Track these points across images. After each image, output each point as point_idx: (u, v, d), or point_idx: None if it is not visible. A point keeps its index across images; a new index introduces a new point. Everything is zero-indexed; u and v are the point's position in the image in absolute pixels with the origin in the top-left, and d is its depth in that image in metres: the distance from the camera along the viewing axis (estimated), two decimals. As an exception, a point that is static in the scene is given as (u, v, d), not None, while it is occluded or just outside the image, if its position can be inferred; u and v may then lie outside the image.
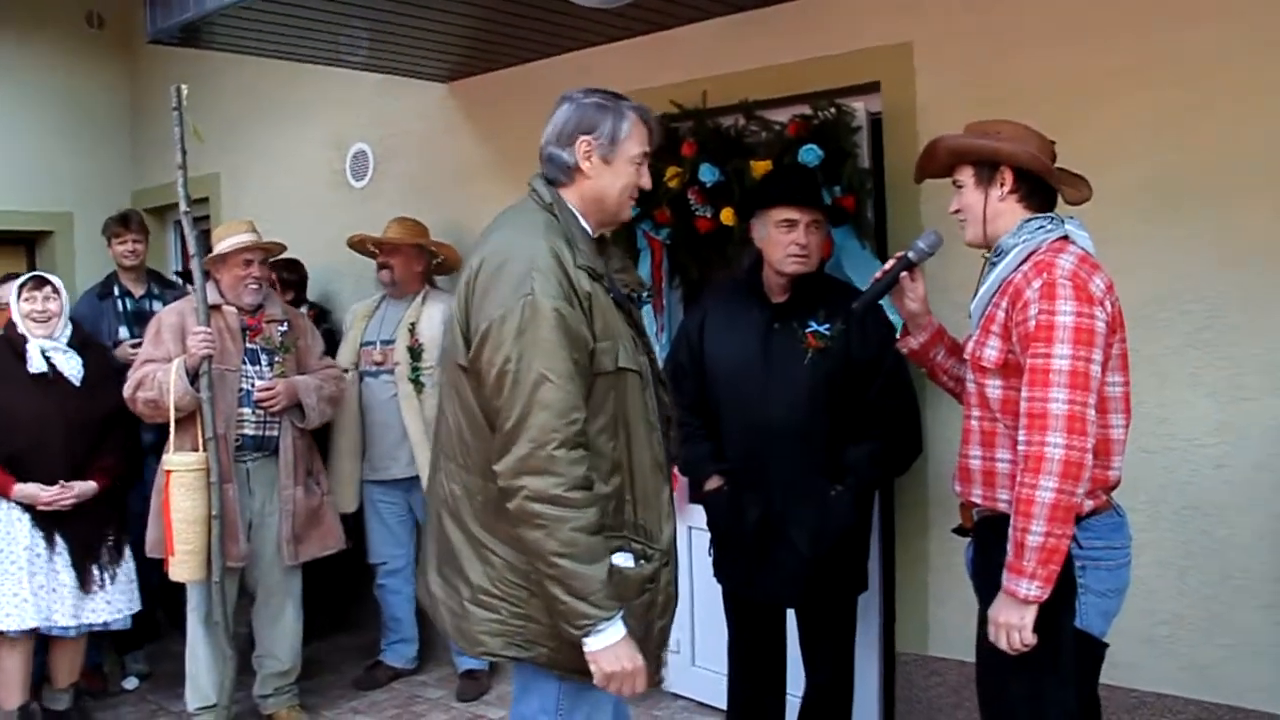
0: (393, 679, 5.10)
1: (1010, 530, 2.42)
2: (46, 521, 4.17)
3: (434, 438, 2.61)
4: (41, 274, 4.45)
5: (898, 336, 3.07)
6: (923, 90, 3.78)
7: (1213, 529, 3.33)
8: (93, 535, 4.27)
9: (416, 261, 4.97)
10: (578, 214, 2.50)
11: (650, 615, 2.45)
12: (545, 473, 2.24)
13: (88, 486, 4.22)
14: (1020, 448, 2.39)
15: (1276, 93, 3.17)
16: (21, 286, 4.31)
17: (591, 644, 2.28)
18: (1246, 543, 3.28)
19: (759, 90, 4.07)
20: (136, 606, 4.41)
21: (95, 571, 4.24)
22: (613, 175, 2.49)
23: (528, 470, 2.24)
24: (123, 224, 5.29)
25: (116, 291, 5.28)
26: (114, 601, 4.29)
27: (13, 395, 4.22)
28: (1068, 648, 2.53)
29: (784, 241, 3.37)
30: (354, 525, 5.04)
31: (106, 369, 4.40)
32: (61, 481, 4.17)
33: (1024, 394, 2.41)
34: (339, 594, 5.71)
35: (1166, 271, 3.36)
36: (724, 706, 3.79)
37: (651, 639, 2.47)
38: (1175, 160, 3.33)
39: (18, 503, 4.13)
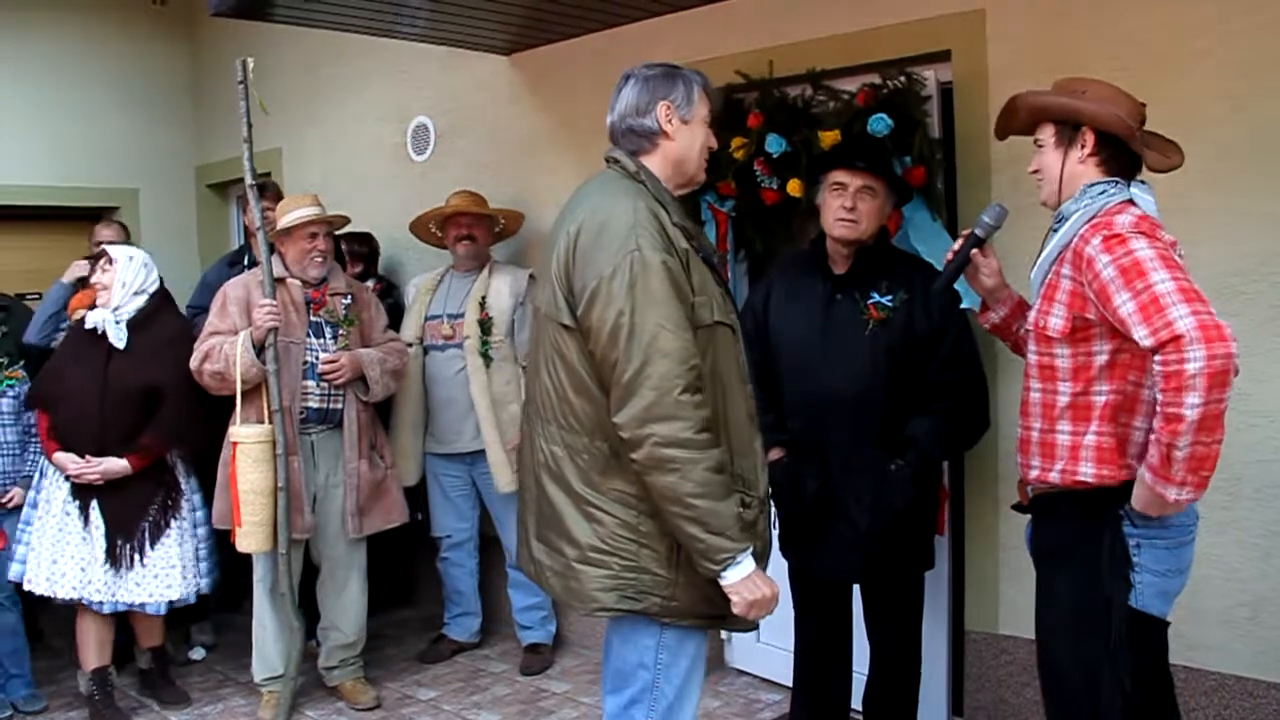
0: (456, 653, 5.12)
1: (1154, 440, 2.32)
2: (84, 492, 4.18)
3: (526, 404, 2.67)
4: (105, 246, 4.51)
5: (978, 312, 3.01)
6: (995, 59, 3.68)
7: (1297, 508, 3.24)
8: (131, 512, 4.21)
9: (490, 232, 5.01)
10: (661, 179, 2.58)
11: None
12: (673, 418, 2.30)
13: (116, 465, 4.15)
14: (1156, 368, 2.26)
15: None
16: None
17: (730, 576, 2.38)
18: (1332, 523, 3.19)
19: (827, 59, 4.00)
20: (177, 595, 4.27)
21: (125, 549, 4.16)
22: (691, 135, 2.61)
23: (654, 418, 2.31)
24: (261, 192, 5.35)
25: (246, 260, 5.33)
26: (144, 584, 4.20)
27: (67, 364, 4.30)
28: (1121, 626, 2.48)
29: (833, 205, 3.33)
30: (420, 499, 5.07)
31: (164, 343, 4.31)
32: (88, 456, 4.15)
33: (1141, 332, 2.27)
34: (403, 568, 5.75)
35: (1250, 243, 3.25)
36: (789, 683, 3.76)
37: None
38: (1258, 128, 3.21)
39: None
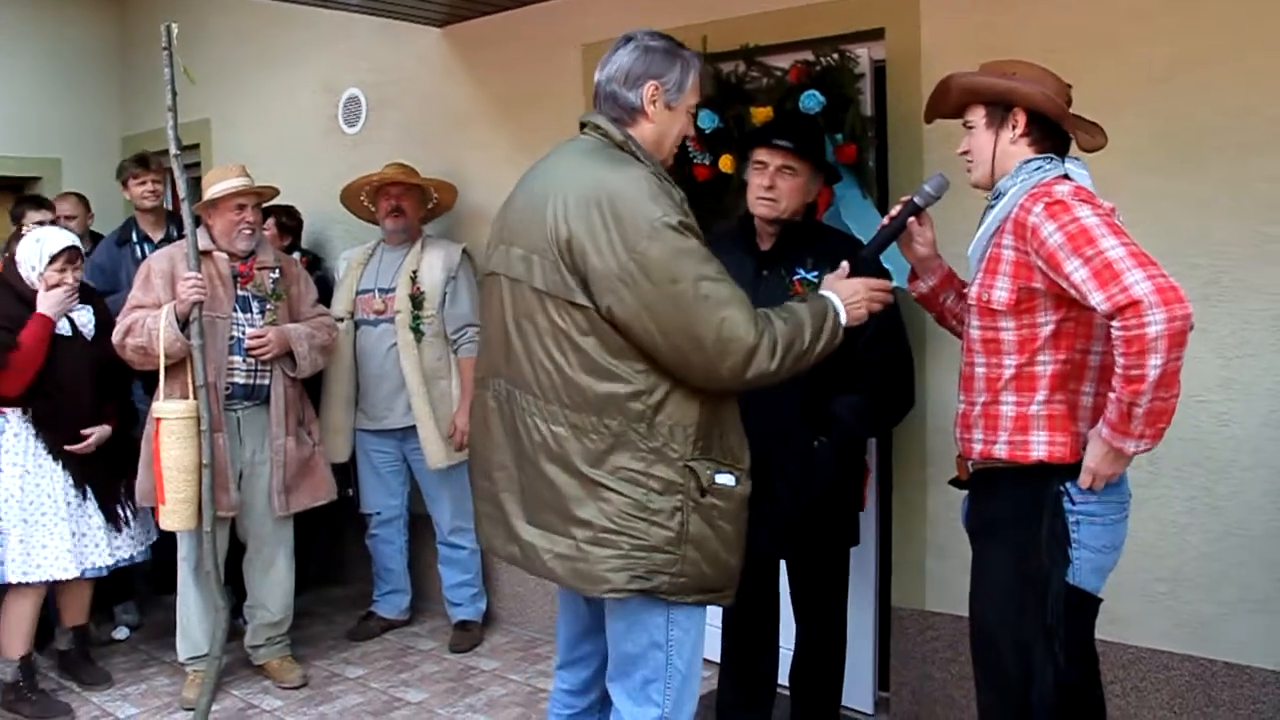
0: (385, 630, 5.09)
1: (1114, 400, 2.34)
2: (78, 473, 4.22)
3: (497, 380, 2.55)
4: (75, 244, 4.26)
5: (907, 281, 3.02)
6: (928, 37, 3.69)
7: (1214, 486, 3.30)
8: (114, 476, 4.32)
9: (421, 205, 4.94)
10: None
11: (743, 533, 2.54)
12: (763, 350, 2.36)
13: (104, 431, 4.28)
14: (1116, 332, 2.28)
15: (1292, 44, 3.09)
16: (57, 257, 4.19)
17: (843, 316, 2.56)
18: (1249, 500, 3.24)
19: (761, 35, 3.98)
20: (154, 536, 4.50)
21: (120, 510, 4.33)
22: (671, 121, 2.56)
23: (760, 361, 2.36)
24: (141, 165, 5.22)
25: (135, 237, 5.21)
26: (137, 536, 4.42)
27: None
28: (1058, 603, 2.51)
29: (755, 183, 3.32)
30: (351, 476, 5.03)
31: (104, 317, 4.38)
32: (82, 431, 4.23)
33: (1098, 298, 2.28)
34: (333, 545, 5.70)
35: (1174, 225, 3.29)
36: (718, 659, 3.76)
37: (741, 556, 2.56)
38: (1185, 112, 3.25)
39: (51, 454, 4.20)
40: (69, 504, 4.19)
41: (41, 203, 5.23)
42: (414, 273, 4.76)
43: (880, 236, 2.85)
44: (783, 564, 3.55)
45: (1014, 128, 2.58)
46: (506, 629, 5.06)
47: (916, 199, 2.81)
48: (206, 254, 4.21)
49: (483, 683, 4.47)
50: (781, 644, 3.64)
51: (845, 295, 2.59)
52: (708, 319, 2.32)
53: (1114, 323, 2.28)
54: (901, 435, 3.82)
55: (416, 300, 4.72)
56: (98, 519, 4.26)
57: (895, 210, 2.85)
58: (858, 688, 3.98)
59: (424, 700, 4.31)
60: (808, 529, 3.34)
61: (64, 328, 4.21)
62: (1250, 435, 3.23)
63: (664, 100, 2.51)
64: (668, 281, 2.31)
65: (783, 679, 3.67)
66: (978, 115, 2.65)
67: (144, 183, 5.19)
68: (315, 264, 5.53)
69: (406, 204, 4.87)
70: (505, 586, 5.09)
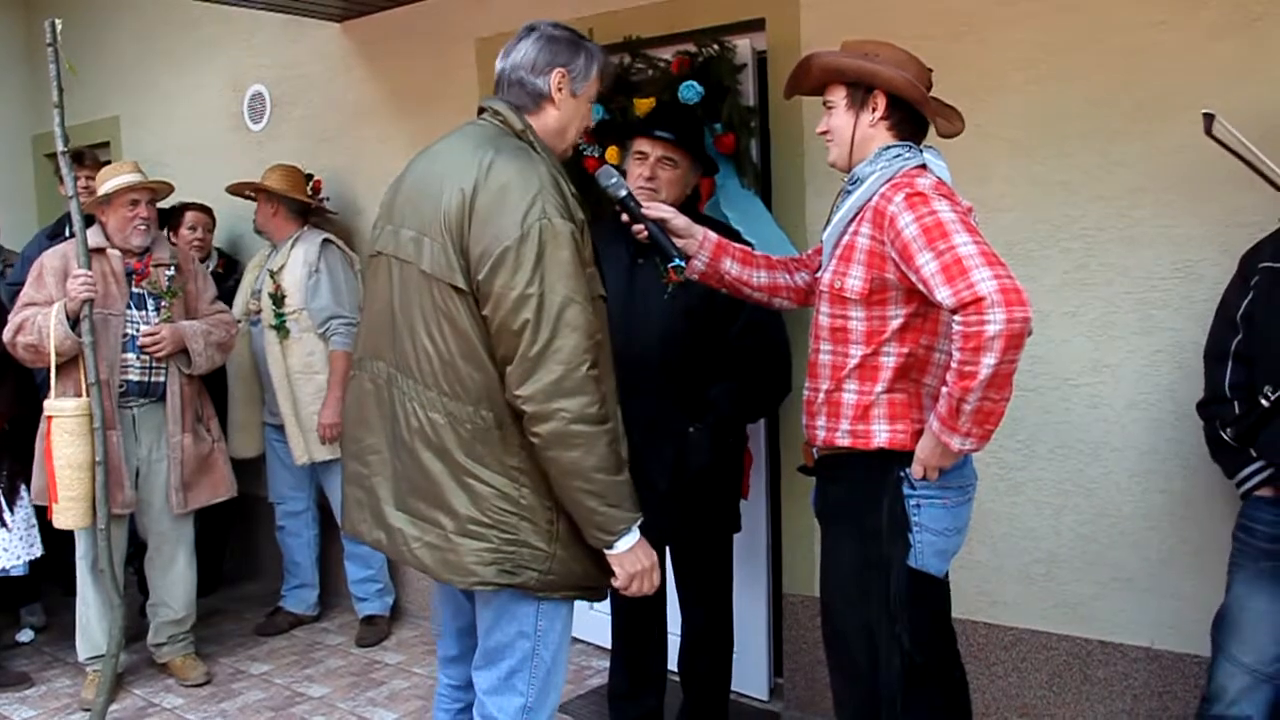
0: (293, 625, 5.08)
1: (945, 393, 2.34)
2: None
3: (397, 366, 2.46)
4: None
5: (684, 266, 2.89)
6: (807, 27, 3.72)
7: (1087, 468, 3.35)
8: None
9: (270, 206, 4.91)
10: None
11: None
12: (580, 393, 2.26)
13: None
14: (956, 327, 2.27)
15: (1158, 28, 3.13)
16: None
17: (620, 546, 2.39)
18: (1119, 481, 3.30)
19: (646, 27, 4.01)
20: (36, 553, 4.39)
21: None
22: (575, 109, 2.54)
23: (563, 393, 2.26)
24: (77, 161, 5.11)
25: (67, 232, 5.14)
26: (12, 548, 4.28)
27: None
28: (900, 586, 2.52)
29: (635, 173, 3.33)
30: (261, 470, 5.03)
31: None
32: None
33: (944, 293, 2.28)
34: (247, 542, 5.68)
35: (1045, 210, 3.34)
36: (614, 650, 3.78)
37: None
38: (1054, 98, 3.30)
39: None
40: None
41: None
42: (274, 271, 4.76)
43: (659, 245, 2.84)
44: (668, 551, 3.57)
45: (874, 110, 2.56)
46: (415, 623, 5.05)
47: (620, 194, 2.82)
48: (100, 251, 4.18)
49: (386, 676, 4.47)
50: (672, 631, 3.66)
51: (636, 551, 2.42)
52: (540, 329, 2.26)
53: (956, 318, 2.28)
54: (788, 422, 3.85)
55: (276, 298, 4.72)
56: None
57: (639, 229, 2.86)
58: (752, 674, 4.01)
59: (326, 695, 4.30)
60: (687, 516, 3.35)
61: None
62: (1119, 417, 3.29)
63: (570, 88, 2.49)
64: (524, 281, 2.25)
65: (674, 664, 3.69)
66: (838, 95, 2.62)
67: (78, 178, 5.12)
68: (232, 266, 5.48)
69: (258, 215, 4.94)
70: (414, 581, 5.09)
